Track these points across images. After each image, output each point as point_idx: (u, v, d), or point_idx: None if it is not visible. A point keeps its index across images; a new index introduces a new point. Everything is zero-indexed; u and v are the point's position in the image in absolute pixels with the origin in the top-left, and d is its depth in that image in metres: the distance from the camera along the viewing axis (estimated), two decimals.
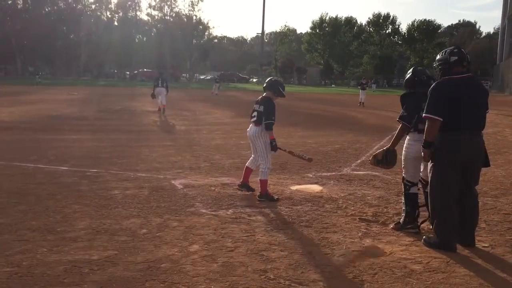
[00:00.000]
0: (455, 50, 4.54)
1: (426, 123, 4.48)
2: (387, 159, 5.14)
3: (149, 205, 5.82)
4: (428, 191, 4.70)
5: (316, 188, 7.00)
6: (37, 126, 14.50)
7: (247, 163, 6.72)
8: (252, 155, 6.65)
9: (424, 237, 4.75)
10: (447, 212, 4.50)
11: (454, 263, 4.20)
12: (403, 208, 5.14)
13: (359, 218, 5.48)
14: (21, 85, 44.25)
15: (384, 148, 5.20)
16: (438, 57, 4.66)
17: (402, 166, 5.12)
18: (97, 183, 6.91)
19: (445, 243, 4.49)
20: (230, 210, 5.70)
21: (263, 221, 5.31)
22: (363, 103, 28.42)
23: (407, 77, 5.20)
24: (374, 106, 27.83)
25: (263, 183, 6.26)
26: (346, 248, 4.51)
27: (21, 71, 73.65)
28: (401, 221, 5.11)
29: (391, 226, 5.17)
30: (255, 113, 6.38)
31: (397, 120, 5.01)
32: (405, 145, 5.05)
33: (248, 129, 6.52)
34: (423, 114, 4.50)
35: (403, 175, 5.14)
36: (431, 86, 4.54)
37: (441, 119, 4.36)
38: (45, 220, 5.11)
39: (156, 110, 19.96)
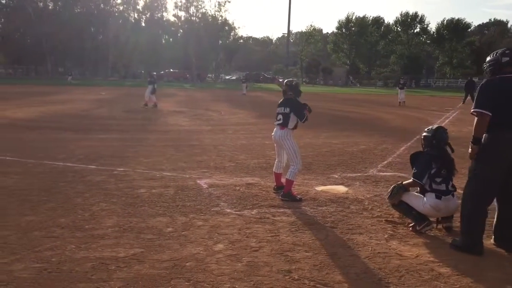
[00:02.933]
0: (507, 52, 4.51)
1: (475, 119, 4.42)
2: (392, 191, 5.23)
3: (175, 204, 5.88)
4: (464, 188, 4.59)
5: (341, 189, 6.94)
6: (66, 125, 14.80)
7: (274, 168, 6.76)
8: (276, 159, 6.69)
9: (451, 240, 4.66)
10: (478, 213, 4.40)
11: (484, 267, 4.12)
12: (406, 215, 5.19)
13: (385, 220, 5.42)
14: (51, 85, 45.25)
15: (398, 183, 5.27)
16: (488, 58, 4.65)
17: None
18: (124, 182, 7.01)
19: (472, 245, 4.38)
20: (254, 210, 5.70)
21: (287, 221, 5.30)
22: (404, 101, 28.42)
23: (426, 135, 5.27)
24: (403, 107, 27.41)
25: (289, 183, 6.26)
26: (372, 250, 4.46)
27: (51, 71, 75.37)
28: (417, 227, 5.07)
29: (410, 228, 5.13)
30: (280, 116, 6.41)
31: (412, 179, 5.08)
32: (423, 197, 5.03)
33: (273, 133, 6.53)
34: (471, 110, 4.45)
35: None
36: (481, 83, 4.53)
37: (490, 114, 4.29)
38: (73, 218, 5.21)
39: (150, 106, 21.43)
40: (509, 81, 4.38)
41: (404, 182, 5.24)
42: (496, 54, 4.55)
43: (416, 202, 5.05)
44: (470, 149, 4.48)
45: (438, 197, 4.89)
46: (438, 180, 4.95)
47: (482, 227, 4.42)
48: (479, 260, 4.27)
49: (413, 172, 5.10)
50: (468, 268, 4.08)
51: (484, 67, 4.67)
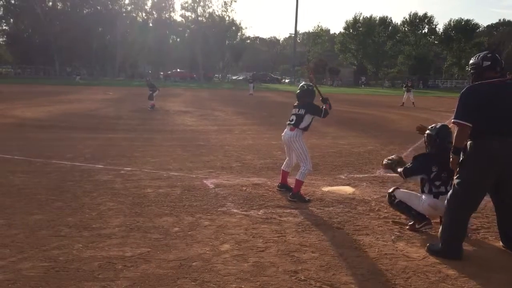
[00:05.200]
0: (489, 55, 4.37)
1: (456, 129, 4.37)
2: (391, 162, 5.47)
3: (181, 203, 5.89)
4: (448, 195, 4.50)
5: (348, 189, 6.93)
6: (74, 125, 14.88)
7: (282, 166, 6.77)
8: (286, 158, 6.69)
9: (428, 244, 4.57)
10: (460, 221, 4.34)
11: (490, 269, 4.09)
12: (406, 214, 5.19)
13: (392, 221, 5.40)
14: (59, 85, 45.50)
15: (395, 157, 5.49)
16: (471, 61, 4.52)
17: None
18: (131, 182, 7.03)
19: (450, 250, 4.31)
20: (261, 210, 5.70)
21: (294, 222, 5.29)
22: (413, 102, 28.56)
23: (429, 133, 5.21)
24: (409, 108, 27.30)
25: (298, 183, 6.24)
26: (378, 251, 4.44)
27: (59, 71, 75.77)
28: (416, 225, 5.07)
29: (407, 227, 5.13)
30: (293, 117, 6.40)
31: (400, 171, 5.22)
32: (421, 196, 5.05)
33: (283, 134, 6.52)
34: (452, 120, 4.39)
35: (394, 193, 5.24)
36: (462, 91, 4.43)
37: (470, 125, 4.21)
38: (81, 217, 5.24)
39: (151, 109, 21.04)
40: (491, 87, 4.25)
41: (398, 170, 5.28)
42: (478, 58, 4.41)
43: (414, 201, 5.05)
44: (451, 159, 4.44)
45: (436, 196, 4.90)
46: (438, 183, 4.93)
47: (463, 235, 4.38)
48: (486, 262, 4.24)
49: (406, 165, 5.16)
50: (475, 270, 4.06)
51: (467, 70, 4.59)
